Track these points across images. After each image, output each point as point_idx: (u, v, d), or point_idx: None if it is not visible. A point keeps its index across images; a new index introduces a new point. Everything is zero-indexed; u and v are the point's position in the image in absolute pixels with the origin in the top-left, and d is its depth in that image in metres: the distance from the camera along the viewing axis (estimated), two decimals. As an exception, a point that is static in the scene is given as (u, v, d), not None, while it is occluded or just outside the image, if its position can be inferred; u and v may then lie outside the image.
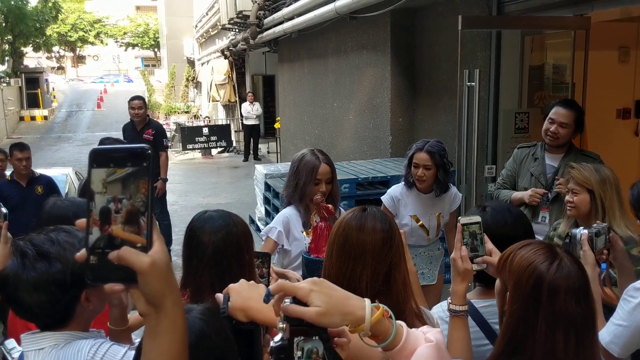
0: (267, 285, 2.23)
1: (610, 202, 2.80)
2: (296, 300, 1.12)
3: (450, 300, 1.98)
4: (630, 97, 7.05)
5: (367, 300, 1.18)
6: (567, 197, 2.99)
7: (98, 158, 0.97)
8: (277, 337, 1.12)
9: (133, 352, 1.78)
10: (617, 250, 2.33)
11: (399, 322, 1.22)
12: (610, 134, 6.64)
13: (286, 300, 1.13)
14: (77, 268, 1.71)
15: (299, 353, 1.11)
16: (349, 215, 1.92)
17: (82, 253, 0.95)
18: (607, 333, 2.15)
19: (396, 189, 4.10)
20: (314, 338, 1.11)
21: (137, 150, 0.95)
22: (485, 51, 5.71)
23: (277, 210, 6.81)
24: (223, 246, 2.10)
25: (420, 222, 4.02)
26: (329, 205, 3.04)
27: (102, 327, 2.01)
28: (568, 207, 2.98)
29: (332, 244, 1.89)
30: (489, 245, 1.98)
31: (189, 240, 2.19)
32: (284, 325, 1.10)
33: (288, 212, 3.35)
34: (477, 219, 2.01)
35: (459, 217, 2.07)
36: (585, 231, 2.29)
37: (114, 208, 0.94)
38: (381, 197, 4.17)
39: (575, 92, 5.23)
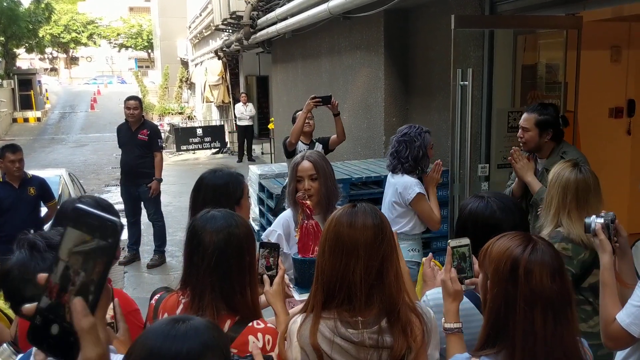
0: (275, 275, 2.26)
1: (566, 207, 2.85)
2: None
3: (444, 320, 2.05)
4: (623, 96, 7.09)
5: None
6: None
7: (77, 218, 1.05)
8: None
9: None
10: (621, 237, 2.42)
11: None
12: (602, 133, 6.67)
13: None
14: None
15: None
16: (339, 212, 1.95)
17: (32, 306, 1.03)
18: (627, 315, 2.24)
19: (414, 179, 4.11)
20: None
21: (108, 224, 1.04)
22: (478, 51, 5.72)
23: (271, 211, 6.80)
24: (224, 247, 2.07)
25: None
26: (307, 202, 3.02)
27: None
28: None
29: (324, 241, 1.92)
30: (477, 266, 2.04)
31: (191, 239, 2.15)
32: None
33: (288, 215, 3.32)
34: (466, 241, 2.09)
35: (449, 240, 2.13)
36: (600, 220, 2.38)
37: (72, 279, 1.03)
38: (419, 192, 4.06)
39: (568, 92, 5.25)
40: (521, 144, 4.04)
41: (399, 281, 1.91)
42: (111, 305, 1.79)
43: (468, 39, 5.74)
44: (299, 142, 5.67)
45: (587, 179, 2.86)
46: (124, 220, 8.06)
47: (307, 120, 5.67)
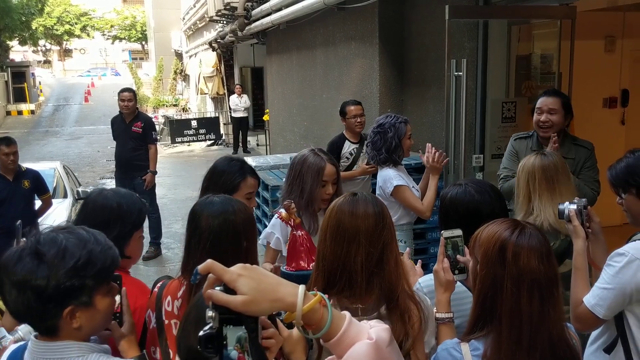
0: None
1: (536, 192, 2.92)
2: (227, 287, 1.07)
3: (435, 310, 2.08)
4: (617, 86, 7.11)
5: (301, 287, 1.12)
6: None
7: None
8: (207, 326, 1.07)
9: None
10: (594, 222, 2.50)
11: (344, 312, 1.16)
12: (596, 123, 6.68)
13: (217, 287, 1.07)
14: (63, 282, 1.58)
15: (230, 342, 1.06)
16: (340, 201, 1.97)
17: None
18: (592, 297, 2.32)
19: (393, 171, 4.10)
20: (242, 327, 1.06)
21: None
22: (473, 41, 5.72)
23: (266, 203, 6.82)
24: (219, 232, 2.10)
25: None
26: (292, 215, 2.95)
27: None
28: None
29: (325, 228, 1.94)
30: (468, 256, 2.07)
31: (189, 223, 2.21)
32: (213, 313, 1.05)
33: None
34: (459, 232, 2.13)
35: (442, 231, 2.16)
36: (573, 206, 2.44)
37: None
38: (396, 184, 4.03)
39: (562, 82, 5.26)
40: (543, 128, 3.87)
41: (399, 269, 1.93)
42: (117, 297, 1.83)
43: (462, 29, 5.74)
44: (347, 141, 5.44)
45: (553, 161, 2.95)
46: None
47: (358, 119, 5.41)
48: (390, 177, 4.07)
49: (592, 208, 2.54)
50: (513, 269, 1.67)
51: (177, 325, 2.12)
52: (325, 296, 1.15)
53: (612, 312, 2.31)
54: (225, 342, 1.05)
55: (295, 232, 2.92)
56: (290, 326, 1.35)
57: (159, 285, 2.29)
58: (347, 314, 1.16)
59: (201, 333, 1.06)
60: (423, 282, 2.30)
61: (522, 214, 2.92)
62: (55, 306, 1.59)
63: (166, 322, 2.19)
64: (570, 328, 1.81)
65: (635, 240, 2.35)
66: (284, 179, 3.42)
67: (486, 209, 2.30)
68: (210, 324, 1.06)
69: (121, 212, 2.34)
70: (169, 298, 2.20)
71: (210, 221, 2.13)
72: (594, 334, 2.52)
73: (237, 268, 1.08)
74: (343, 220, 1.90)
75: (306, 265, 2.86)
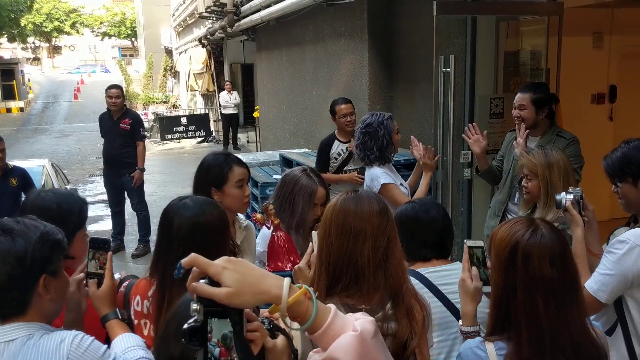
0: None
1: (554, 187, 3.01)
2: (211, 280, 1.07)
3: (461, 323, 2.08)
4: (605, 82, 7.14)
5: (286, 279, 1.12)
6: (523, 182, 3.21)
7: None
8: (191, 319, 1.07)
9: (112, 352, 1.78)
10: (589, 211, 2.62)
11: (329, 305, 1.16)
12: (585, 119, 6.71)
13: (202, 280, 1.08)
14: (37, 249, 1.72)
15: (215, 334, 1.05)
16: (343, 198, 1.96)
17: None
18: (594, 282, 2.39)
19: (380, 170, 4.11)
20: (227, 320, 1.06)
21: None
22: (461, 37, 5.72)
23: (255, 200, 6.79)
24: (190, 235, 2.09)
25: None
26: (271, 216, 2.93)
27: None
28: (524, 193, 3.22)
29: (329, 224, 1.91)
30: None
31: (160, 226, 2.21)
32: (198, 306, 1.05)
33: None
34: (481, 243, 2.15)
35: (465, 240, 2.20)
36: (570, 196, 2.56)
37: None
38: (383, 182, 4.04)
39: (550, 78, 5.27)
40: (517, 123, 4.10)
41: (403, 266, 1.94)
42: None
43: (451, 25, 5.74)
44: (336, 141, 5.33)
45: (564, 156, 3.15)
46: (107, 211, 8.00)
47: (348, 118, 5.30)
48: (377, 176, 4.07)
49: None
50: (524, 275, 1.64)
51: (147, 326, 2.13)
52: (311, 289, 1.15)
53: (613, 297, 2.41)
54: (209, 335, 1.05)
55: (274, 234, 2.90)
56: (274, 336, 1.36)
57: (125, 284, 2.27)
58: (332, 306, 1.16)
59: (185, 325, 1.06)
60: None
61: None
62: (33, 275, 1.73)
63: (136, 322, 2.18)
64: (598, 326, 1.80)
65: (616, 235, 2.44)
66: (272, 194, 3.37)
67: (425, 219, 2.52)
68: (195, 317, 1.06)
69: (61, 213, 2.32)
70: (138, 298, 2.18)
71: (182, 223, 2.11)
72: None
73: (222, 261, 1.09)
74: (348, 218, 1.88)
75: (284, 266, 2.85)
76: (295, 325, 1.16)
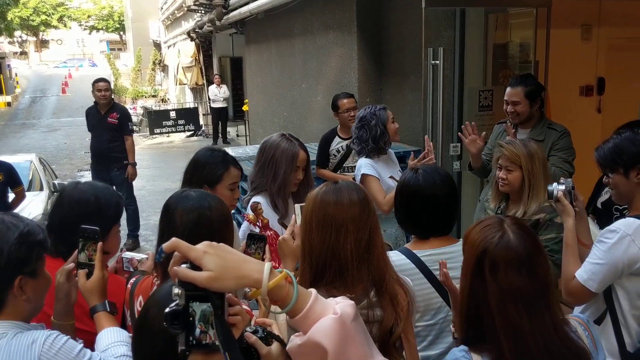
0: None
1: (536, 178, 3.03)
2: (193, 265, 1.08)
3: (454, 330, 2.10)
4: (593, 74, 7.14)
5: (267, 264, 1.14)
6: (500, 174, 3.15)
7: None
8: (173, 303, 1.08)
9: (87, 350, 1.75)
10: (579, 201, 2.63)
11: (310, 290, 1.17)
12: (573, 111, 6.72)
13: (183, 264, 1.08)
14: (14, 250, 1.70)
15: (197, 318, 1.07)
16: (323, 190, 1.95)
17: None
18: (584, 272, 2.42)
19: (366, 160, 4.12)
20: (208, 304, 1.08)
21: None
22: (450, 30, 5.71)
23: (244, 193, 6.75)
24: (193, 228, 2.03)
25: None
26: (260, 216, 2.94)
27: (47, 319, 1.97)
28: (501, 184, 3.17)
29: (309, 219, 1.92)
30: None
31: (163, 217, 2.15)
32: (180, 290, 1.06)
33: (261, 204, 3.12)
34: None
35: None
36: (562, 187, 2.58)
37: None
38: (363, 172, 4.04)
39: (539, 70, 5.28)
40: (510, 118, 4.10)
41: (385, 255, 1.95)
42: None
43: (440, 18, 5.72)
44: (337, 137, 5.25)
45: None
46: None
47: (351, 112, 5.11)
48: (360, 166, 4.10)
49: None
50: (493, 286, 1.56)
51: None
52: (292, 273, 1.16)
53: (603, 286, 2.42)
54: (191, 319, 1.06)
55: (263, 233, 2.89)
56: (268, 343, 1.38)
57: (131, 282, 2.24)
58: (313, 291, 1.17)
59: (167, 309, 1.07)
60: (395, 256, 2.35)
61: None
62: (8, 276, 1.70)
63: None
64: (582, 317, 1.77)
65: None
66: (252, 164, 3.40)
67: (428, 192, 2.44)
68: (177, 301, 1.07)
69: (99, 206, 2.31)
70: (140, 298, 2.14)
71: (184, 216, 2.06)
72: (577, 308, 2.61)
73: (203, 246, 1.10)
74: (329, 209, 1.88)
75: (276, 265, 2.84)
76: (277, 309, 1.17)
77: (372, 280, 1.89)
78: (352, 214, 1.87)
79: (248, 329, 1.40)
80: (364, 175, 4.03)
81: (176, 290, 1.06)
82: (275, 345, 1.38)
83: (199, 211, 2.07)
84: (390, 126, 4.13)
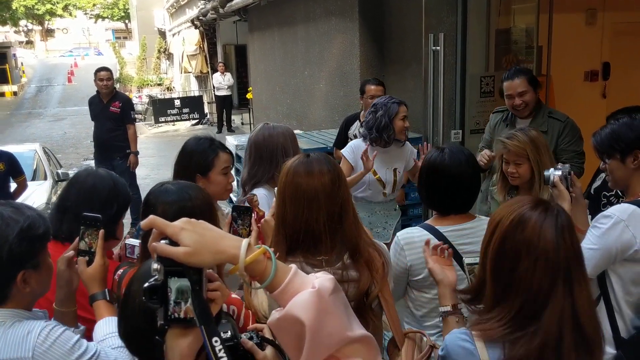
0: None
1: (545, 166, 2.94)
2: (172, 241, 1.09)
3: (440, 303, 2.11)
4: (598, 59, 7.07)
5: (244, 240, 1.14)
6: (509, 169, 3.09)
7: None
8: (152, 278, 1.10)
9: (84, 341, 1.75)
10: (576, 187, 2.63)
11: (291, 265, 1.18)
12: (578, 97, 6.66)
13: (163, 241, 1.10)
14: (15, 246, 1.68)
15: (173, 294, 1.08)
16: (295, 162, 1.99)
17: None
18: None
19: (357, 142, 4.15)
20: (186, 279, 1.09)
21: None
22: (452, 15, 5.65)
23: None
24: (174, 220, 2.03)
25: (378, 176, 4.12)
26: (256, 208, 2.94)
27: (49, 306, 1.97)
28: (511, 178, 3.12)
29: (282, 192, 1.98)
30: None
31: (144, 212, 2.13)
32: (158, 266, 1.08)
33: (266, 198, 3.06)
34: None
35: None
36: (558, 172, 2.58)
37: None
38: (341, 151, 4.14)
39: (542, 55, 5.23)
40: (518, 112, 3.93)
41: (357, 221, 2.01)
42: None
43: (441, 3, 5.66)
44: (357, 122, 5.17)
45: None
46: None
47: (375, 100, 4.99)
48: (347, 145, 4.18)
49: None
50: (530, 244, 1.54)
51: None
52: (271, 249, 1.17)
53: (597, 271, 2.42)
54: (169, 294, 1.08)
55: (259, 225, 2.88)
56: (262, 348, 1.41)
57: (119, 272, 2.22)
58: (293, 266, 1.18)
59: (146, 284, 1.09)
60: (401, 236, 2.47)
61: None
62: (10, 272, 1.69)
63: None
64: None
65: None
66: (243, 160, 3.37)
67: (455, 171, 2.45)
68: (155, 276, 1.08)
69: (117, 191, 2.36)
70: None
71: (166, 209, 2.03)
72: None
73: (181, 222, 1.12)
74: (300, 181, 1.93)
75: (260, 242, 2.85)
76: (257, 285, 1.18)
77: (345, 247, 1.96)
78: (323, 184, 1.92)
79: (244, 335, 1.43)
80: (337, 152, 4.07)
81: (155, 266, 1.08)
82: (269, 350, 1.42)
83: (180, 203, 2.05)
84: (397, 122, 4.05)
